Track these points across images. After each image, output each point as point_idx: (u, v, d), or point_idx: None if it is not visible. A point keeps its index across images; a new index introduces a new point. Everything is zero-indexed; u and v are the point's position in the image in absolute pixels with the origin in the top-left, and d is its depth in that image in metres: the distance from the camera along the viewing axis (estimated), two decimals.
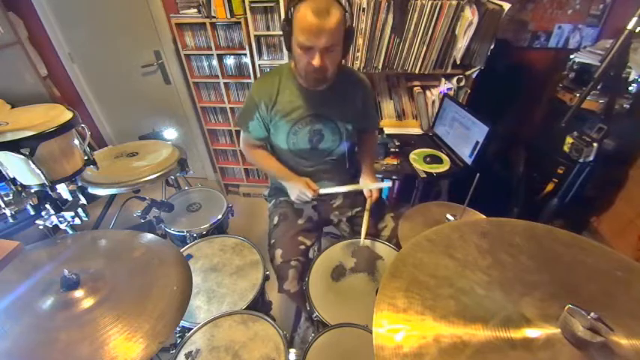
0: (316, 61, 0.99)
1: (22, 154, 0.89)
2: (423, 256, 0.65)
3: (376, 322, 0.53)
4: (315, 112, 1.19)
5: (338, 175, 1.37)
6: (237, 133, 2.38)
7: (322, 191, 1.23)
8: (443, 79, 1.88)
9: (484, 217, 1.12)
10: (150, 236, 0.93)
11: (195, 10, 1.95)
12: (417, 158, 1.76)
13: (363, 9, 1.63)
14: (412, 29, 1.68)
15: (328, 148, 1.27)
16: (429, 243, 0.68)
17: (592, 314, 0.45)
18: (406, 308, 0.54)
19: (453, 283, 0.58)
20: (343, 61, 1.21)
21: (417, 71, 1.81)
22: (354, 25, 1.64)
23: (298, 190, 1.22)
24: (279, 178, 1.32)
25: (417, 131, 2.03)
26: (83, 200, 1.15)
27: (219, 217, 1.46)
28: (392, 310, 0.54)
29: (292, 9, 0.98)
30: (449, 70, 1.81)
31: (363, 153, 1.40)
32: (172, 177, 1.71)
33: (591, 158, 1.42)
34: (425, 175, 1.65)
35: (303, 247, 1.27)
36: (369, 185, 1.26)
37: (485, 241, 0.66)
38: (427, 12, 1.62)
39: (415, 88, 1.95)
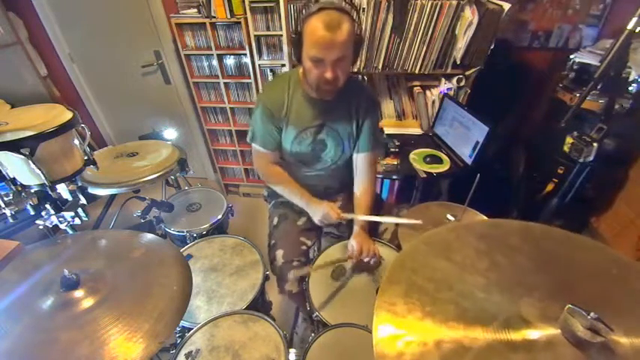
0: (329, 74, 1.00)
1: (22, 154, 0.89)
2: (420, 261, 0.64)
3: (376, 330, 0.53)
4: (320, 123, 1.19)
5: (339, 183, 1.37)
6: (237, 133, 2.38)
7: (344, 215, 1.18)
8: (443, 79, 1.87)
9: (484, 217, 1.12)
10: (150, 236, 0.93)
11: (195, 10, 1.95)
12: (417, 158, 1.76)
13: (363, 9, 1.63)
14: (412, 29, 1.68)
15: (331, 158, 1.27)
16: (427, 247, 0.67)
17: (592, 314, 0.45)
18: (406, 314, 0.54)
19: (452, 287, 0.58)
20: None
21: (417, 71, 1.80)
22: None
23: (322, 213, 1.19)
24: (301, 204, 1.27)
25: (417, 131, 2.03)
26: (83, 200, 1.15)
27: (219, 217, 1.46)
28: (392, 317, 0.54)
29: (302, 22, 0.99)
30: (449, 70, 1.81)
31: (356, 200, 1.27)
32: (172, 177, 1.71)
33: (591, 158, 1.42)
34: (425, 175, 1.65)
35: (304, 247, 1.27)
36: (393, 219, 1.18)
37: (483, 243, 0.66)
38: (427, 12, 1.62)
39: (415, 88, 1.95)
